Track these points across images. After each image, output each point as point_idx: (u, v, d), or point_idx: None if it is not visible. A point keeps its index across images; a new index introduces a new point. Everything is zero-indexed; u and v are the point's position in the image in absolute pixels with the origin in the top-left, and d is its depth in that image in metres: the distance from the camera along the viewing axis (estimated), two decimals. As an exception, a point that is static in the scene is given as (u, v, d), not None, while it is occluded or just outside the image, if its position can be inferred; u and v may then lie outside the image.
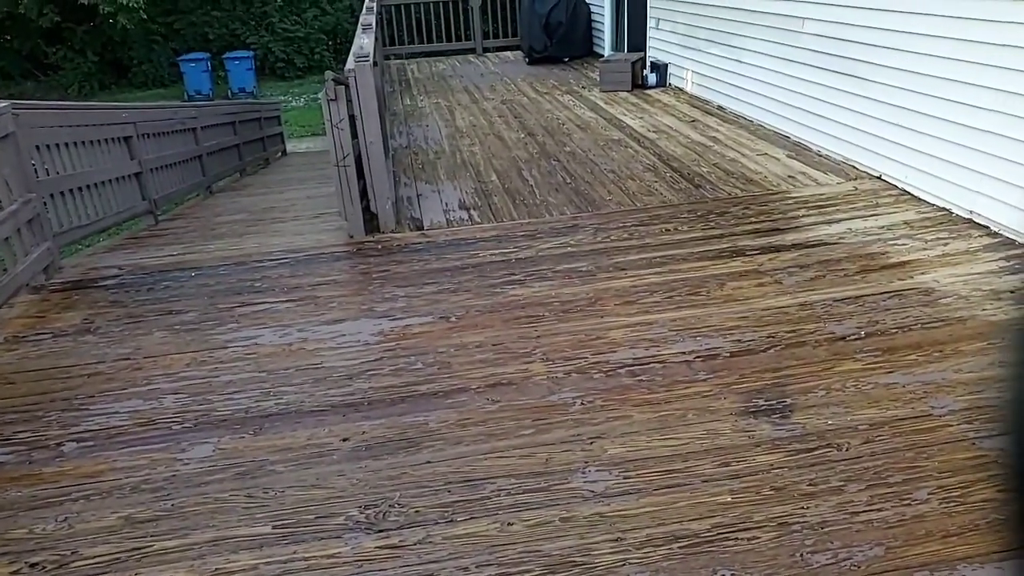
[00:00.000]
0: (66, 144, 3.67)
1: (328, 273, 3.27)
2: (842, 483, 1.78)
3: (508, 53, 9.22)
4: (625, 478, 1.84)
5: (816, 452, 1.90)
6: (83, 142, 3.84)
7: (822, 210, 3.54)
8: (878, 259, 2.99)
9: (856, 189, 3.78)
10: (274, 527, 1.76)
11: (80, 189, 3.75)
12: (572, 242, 3.37)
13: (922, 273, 2.83)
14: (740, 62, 5.18)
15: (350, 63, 3.46)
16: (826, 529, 1.65)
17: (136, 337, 2.75)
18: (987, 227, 3.14)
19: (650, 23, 6.68)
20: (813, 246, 3.15)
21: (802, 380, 2.21)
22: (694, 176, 4.16)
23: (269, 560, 1.67)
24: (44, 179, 3.45)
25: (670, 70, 6.43)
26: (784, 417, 2.05)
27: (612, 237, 3.40)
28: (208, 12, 13.27)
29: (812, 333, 2.47)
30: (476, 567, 1.61)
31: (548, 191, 4.08)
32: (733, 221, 3.50)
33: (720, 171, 4.21)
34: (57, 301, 3.12)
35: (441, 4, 9.30)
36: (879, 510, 1.69)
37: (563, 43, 8.21)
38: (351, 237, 3.58)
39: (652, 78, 6.50)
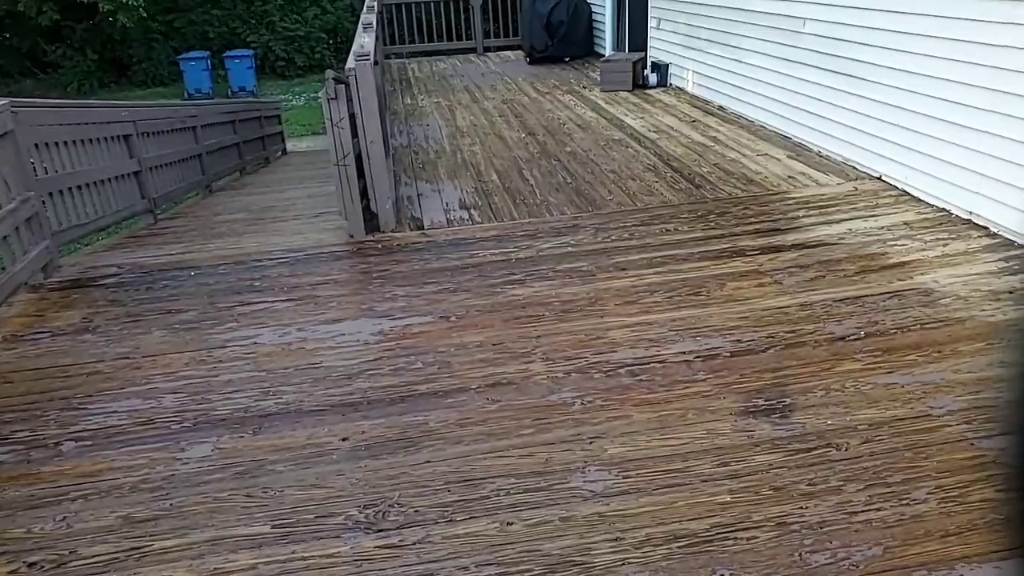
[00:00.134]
0: (65, 142, 3.66)
1: (328, 272, 3.26)
2: (841, 483, 1.78)
3: (509, 52, 9.22)
4: (624, 478, 1.84)
5: (815, 452, 1.90)
6: (82, 140, 3.84)
7: (822, 210, 3.54)
8: (878, 260, 2.99)
9: (856, 190, 3.78)
10: (273, 526, 1.76)
11: (79, 187, 3.74)
12: (572, 242, 3.37)
13: (922, 274, 2.83)
14: (741, 62, 5.18)
15: (351, 62, 3.46)
16: (825, 529, 1.65)
17: (135, 336, 2.75)
18: (986, 228, 3.14)
19: (651, 23, 6.68)
20: (813, 246, 3.15)
21: (802, 380, 2.21)
22: (695, 176, 4.16)
23: (268, 560, 1.67)
24: (43, 177, 3.45)
25: (671, 70, 6.43)
26: (784, 417, 2.05)
27: (612, 237, 3.40)
28: (208, 10, 13.25)
29: (812, 333, 2.47)
30: (475, 567, 1.61)
31: (549, 191, 4.07)
32: (733, 221, 3.50)
33: (721, 171, 4.21)
34: (56, 300, 3.12)
35: (442, 3, 9.29)
36: (878, 510, 1.69)
37: (564, 43, 8.21)
38: (351, 236, 3.58)
39: (653, 78, 6.50)
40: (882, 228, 3.29)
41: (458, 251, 3.35)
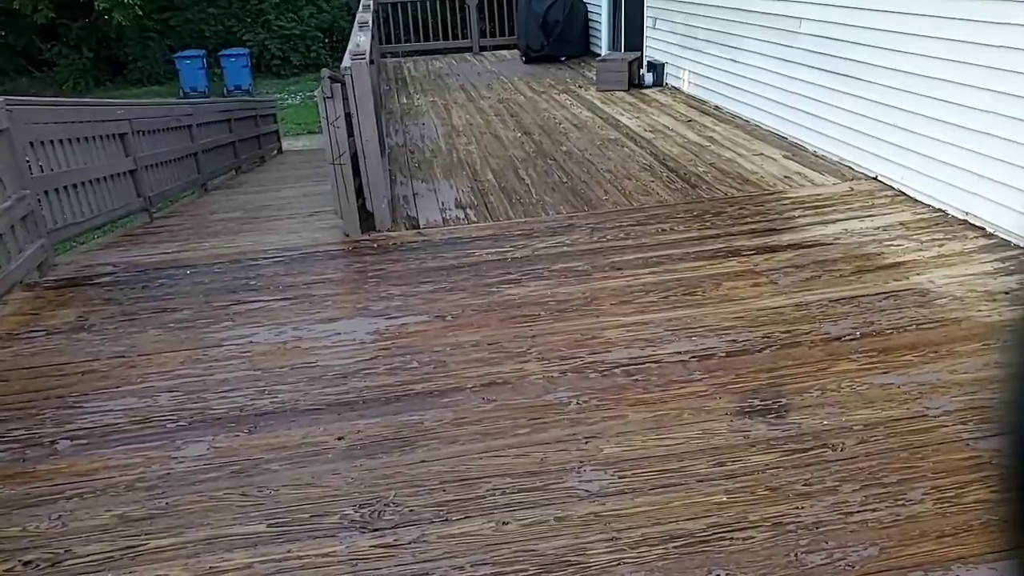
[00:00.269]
0: (61, 141, 3.65)
1: (323, 272, 3.26)
2: (837, 483, 1.79)
3: (505, 52, 9.21)
4: (620, 478, 1.84)
5: (811, 452, 1.90)
6: (78, 139, 3.82)
7: (818, 210, 3.55)
8: (874, 260, 2.99)
9: (852, 190, 3.79)
10: (269, 525, 1.76)
11: (75, 186, 3.72)
12: (568, 241, 3.37)
13: (918, 274, 2.84)
14: (736, 62, 5.19)
15: (346, 61, 3.45)
16: (821, 529, 1.66)
17: (131, 335, 2.74)
18: (983, 228, 3.15)
19: (647, 23, 6.68)
20: (809, 246, 3.16)
21: (797, 380, 2.22)
22: (690, 176, 4.16)
23: (264, 559, 1.66)
24: (38, 176, 3.43)
25: (667, 70, 6.44)
26: (779, 417, 2.06)
27: (608, 237, 3.40)
28: (204, 9, 13.21)
29: (807, 333, 2.47)
30: (471, 566, 1.61)
31: (544, 190, 4.07)
32: (729, 221, 3.50)
33: (716, 171, 4.21)
34: (51, 298, 3.10)
35: (438, 2, 9.28)
36: (874, 510, 1.70)
37: (560, 42, 8.21)
38: (347, 235, 3.57)
39: (649, 78, 6.50)
40: (878, 228, 3.30)
41: (454, 250, 3.35)
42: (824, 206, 3.60)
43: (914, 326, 2.48)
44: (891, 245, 3.12)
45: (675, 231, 3.43)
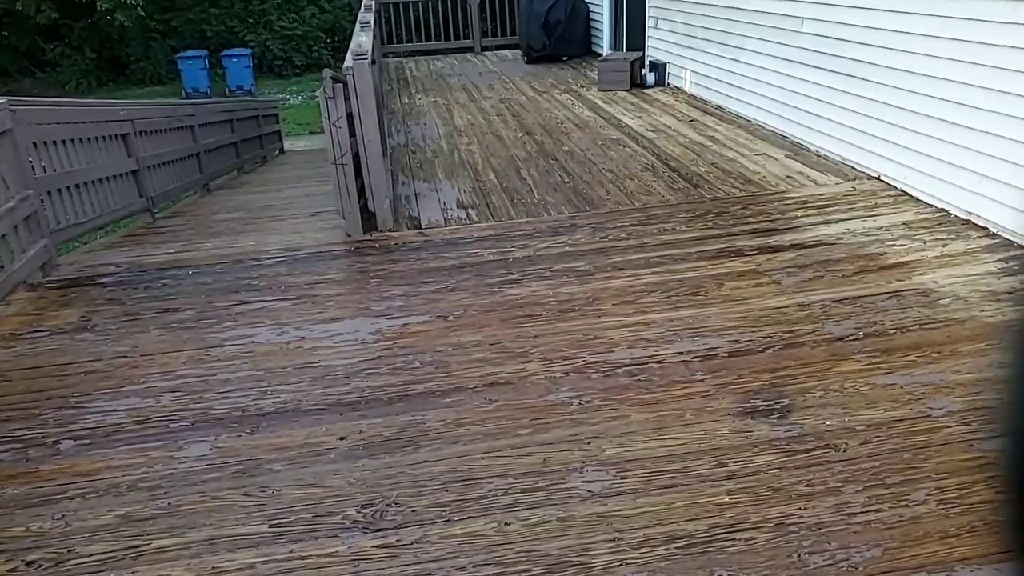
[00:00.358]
0: (63, 141, 3.66)
1: (326, 272, 3.26)
2: (840, 484, 1.78)
3: (507, 52, 9.21)
4: (623, 478, 1.84)
5: (814, 453, 1.90)
6: (80, 139, 3.83)
7: (821, 210, 3.54)
8: (876, 260, 2.99)
9: (855, 189, 3.78)
10: (271, 526, 1.76)
11: (77, 186, 3.73)
12: (570, 241, 3.37)
13: (920, 274, 2.83)
14: (739, 62, 5.18)
15: (348, 61, 3.45)
16: (823, 530, 1.65)
17: (133, 335, 2.74)
18: (986, 228, 3.15)
19: (649, 22, 6.67)
20: (811, 246, 3.16)
21: (800, 381, 2.21)
22: (692, 176, 4.16)
23: (266, 559, 1.66)
24: (41, 176, 3.44)
25: (669, 69, 6.43)
26: (782, 418, 2.05)
27: (610, 237, 3.39)
28: (206, 9, 13.23)
29: (810, 334, 2.47)
30: (473, 567, 1.61)
31: (546, 190, 4.07)
32: (731, 221, 3.50)
33: (718, 171, 4.21)
34: (54, 299, 3.11)
35: (440, 2, 9.28)
36: (877, 511, 1.69)
37: (562, 42, 8.20)
38: (349, 236, 3.57)
39: (650, 77, 6.50)
40: (881, 228, 3.29)
41: (456, 250, 3.35)
42: (826, 206, 3.59)
43: (917, 326, 2.47)
44: (894, 245, 3.11)
45: (677, 231, 3.42)
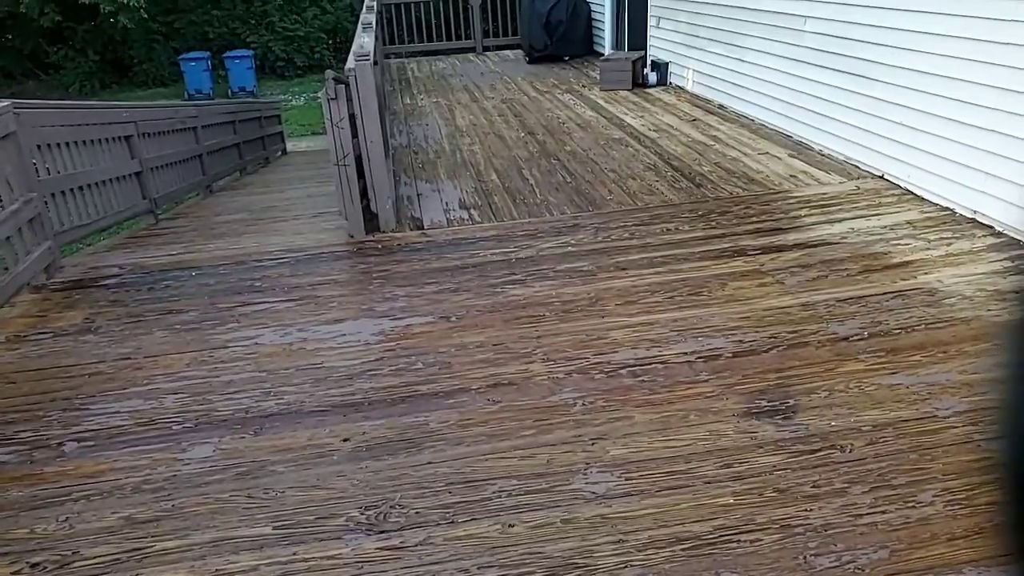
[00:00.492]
0: (67, 143, 3.66)
1: (328, 273, 3.26)
2: (845, 485, 1.77)
3: (508, 52, 9.20)
4: (627, 479, 1.84)
5: (819, 454, 1.89)
6: (84, 141, 3.84)
7: (824, 209, 3.53)
8: (881, 259, 2.97)
9: (858, 188, 3.76)
10: (274, 528, 1.75)
11: (81, 188, 3.74)
12: (573, 242, 3.36)
13: (925, 273, 2.82)
14: (741, 61, 5.17)
15: (350, 62, 3.45)
16: (829, 532, 1.64)
17: (137, 336, 2.75)
18: (991, 227, 3.13)
19: (651, 22, 6.66)
20: (815, 246, 3.14)
21: (805, 381, 2.20)
22: (695, 175, 4.15)
23: (270, 561, 1.66)
24: (45, 178, 3.45)
25: (671, 69, 6.42)
26: (787, 418, 2.04)
27: (613, 237, 3.39)
28: (208, 11, 13.25)
29: (815, 333, 2.46)
30: (477, 569, 1.60)
31: (549, 190, 4.06)
32: (735, 220, 3.48)
33: (721, 170, 4.19)
34: (58, 300, 3.11)
35: (441, 3, 9.29)
36: (883, 512, 1.68)
37: (563, 42, 8.20)
38: (351, 236, 3.57)
39: (653, 77, 6.48)
40: (885, 227, 3.27)
41: (458, 251, 3.34)
42: (830, 205, 3.58)
43: (923, 326, 2.45)
44: (898, 244, 3.10)
45: (680, 231, 3.41)
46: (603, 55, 7.55)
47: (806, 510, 1.71)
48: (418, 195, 4.16)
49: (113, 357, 2.60)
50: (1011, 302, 2.52)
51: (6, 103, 3.17)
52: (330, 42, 13.65)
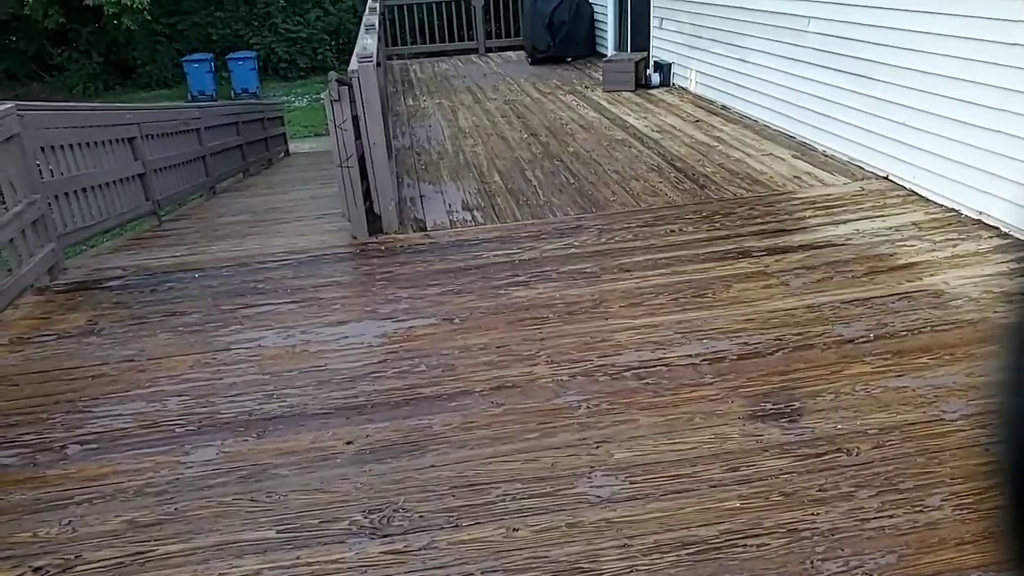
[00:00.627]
0: (71, 145, 3.67)
1: (331, 274, 3.25)
2: (852, 489, 1.76)
3: (511, 53, 9.20)
4: (632, 483, 1.82)
5: (825, 457, 1.88)
6: (87, 143, 3.84)
7: (829, 211, 3.51)
8: (886, 260, 2.96)
9: (863, 189, 3.75)
10: (278, 531, 1.75)
11: (84, 190, 3.74)
12: (576, 243, 3.35)
13: (931, 275, 2.80)
14: (744, 62, 5.15)
15: (353, 64, 3.45)
16: (837, 536, 1.63)
17: (140, 339, 2.74)
18: (997, 228, 3.11)
19: (653, 22, 6.65)
20: (820, 247, 3.13)
21: (810, 383, 2.19)
22: (699, 176, 4.13)
23: (273, 565, 1.65)
24: (49, 180, 3.45)
25: (674, 70, 6.41)
26: (792, 421, 2.03)
27: (616, 238, 3.38)
28: (211, 13, 13.29)
29: (820, 336, 2.44)
30: (482, 573, 1.59)
31: (552, 192, 4.06)
32: (739, 222, 3.47)
33: (725, 171, 4.18)
34: (61, 302, 3.11)
35: (444, 4, 9.29)
36: (891, 517, 1.67)
37: (566, 43, 8.19)
38: (354, 238, 3.57)
39: (655, 78, 6.47)
40: (890, 228, 3.26)
41: (461, 252, 3.33)
42: (835, 206, 3.56)
43: (929, 328, 2.44)
44: (904, 245, 3.08)
45: (684, 232, 3.40)
46: (606, 56, 7.54)
47: (813, 514, 1.69)
48: (421, 196, 4.15)
49: (116, 359, 2.60)
50: (1010, 304, 2.51)
51: (10, 105, 3.17)
52: (333, 43, 13.67)
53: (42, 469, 2.03)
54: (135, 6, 11.34)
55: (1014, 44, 2.90)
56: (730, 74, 5.40)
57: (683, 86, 6.29)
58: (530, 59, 8.44)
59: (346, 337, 2.65)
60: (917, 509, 1.68)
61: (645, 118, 5.51)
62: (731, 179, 4.05)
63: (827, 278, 2.85)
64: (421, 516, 1.76)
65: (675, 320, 2.60)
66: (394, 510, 1.79)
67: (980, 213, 3.21)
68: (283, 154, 8.77)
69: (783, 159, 4.31)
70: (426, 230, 3.64)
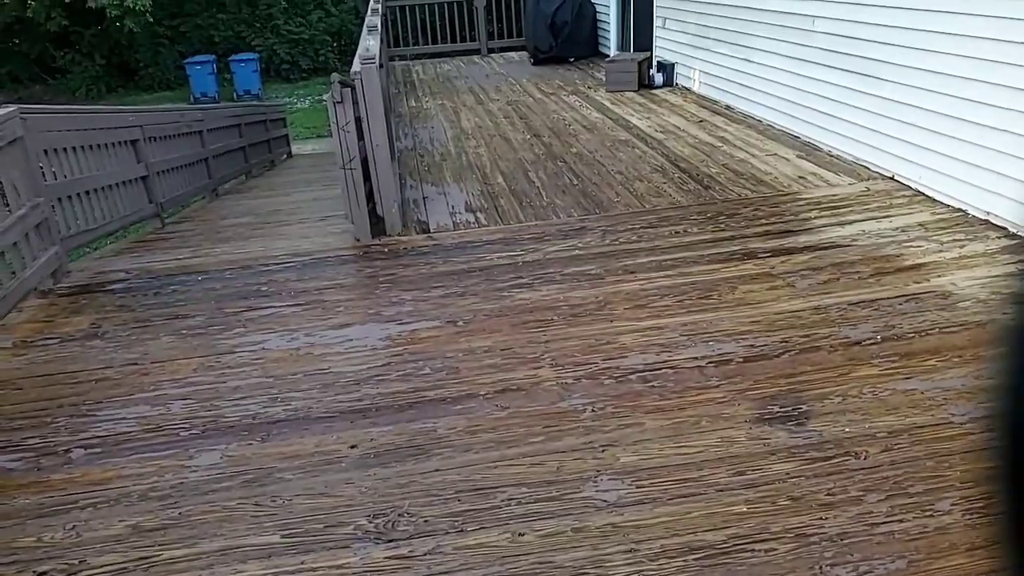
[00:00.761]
0: (74, 148, 3.67)
1: (335, 277, 3.25)
2: (861, 493, 1.74)
3: (513, 53, 9.19)
4: (638, 487, 1.81)
5: (833, 461, 1.86)
6: (90, 146, 3.84)
7: (834, 211, 3.49)
8: (893, 261, 2.94)
9: (868, 190, 3.73)
10: (282, 536, 1.74)
11: (87, 193, 3.74)
12: (580, 245, 3.34)
13: (939, 276, 2.78)
14: (749, 61, 5.13)
15: (356, 65, 3.44)
16: (845, 541, 1.61)
17: (143, 342, 2.74)
18: (1005, 228, 3.09)
19: (656, 22, 6.63)
20: (826, 248, 3.11)
21: (817, 386, 2.17)
22: (703, 177, 4.12)
23: (278, 570, 1.64)
24: (52, 183, 3.45)
25: (677, 70, 6.39)
26: (800, 424, 2.01)
27: (621, 239, 3.36)
28: (213, 15, 13.31)
29: (827, 337, 2.43)
30: (487, 579, 1.58)
31: (555, 193, 4.04)
32: (743, 223, 3.45)
33: (729, 172, 4.16)
34: (65, 305, 3.11)
35: (446, 5, 9.28)
36: (900, 521, 1.65)
37: (568, 43, 8.17)
38: (357, 240, 3.56)
39: (659, 78, 6.45)
40: (896, 229, 3.24)
41: (464, 254, 3.32)
42: (840, 207, 3.54)
43: (936, 330, 2.42)
44: (910, 246, 3.06)
45: (689, 233, 3.38)
46: (608, 56, 7.52)
47: (821, 519, 1.68)
48: (424, 198, 4.14)
49: (120, 363, 2.59)
50: (1010, 306, 2.48)
51: (13, 108, 3.17)
52: (335, 45, 13.68)
53: (46, 473, 2.02)
54: (137, 8, 11.36)
55: (1021, 43, 2.88)
56: (734, 74, 5.38)
57: (687, 86, 6.27)
58: (532, 60, 8.43)
59: (350, 340, 2.64)
60: (927, 514, 1.67)
61: (648, 118, 5.50)
62: (736, 180, 4.03)
63: (833, 279, 2.83)
64: (426, 521, 1.75)
65: (680, 322, 2.58)
66: (399, 515, 1.78)
67: (988, 213, 3.19)
68: (286, 156, 8.77)
69: (788, 159, 4.29)
70: (429, 232, 3.63)
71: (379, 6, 6.66)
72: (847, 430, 1.97)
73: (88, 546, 1.74)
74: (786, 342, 2.42)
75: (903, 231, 3.21)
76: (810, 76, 4.39)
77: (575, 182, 4.20)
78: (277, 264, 3.40)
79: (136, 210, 4.34)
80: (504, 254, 3.29)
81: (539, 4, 8.12)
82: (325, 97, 3.40)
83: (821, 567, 1.56)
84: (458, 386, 2.30)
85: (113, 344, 2.74)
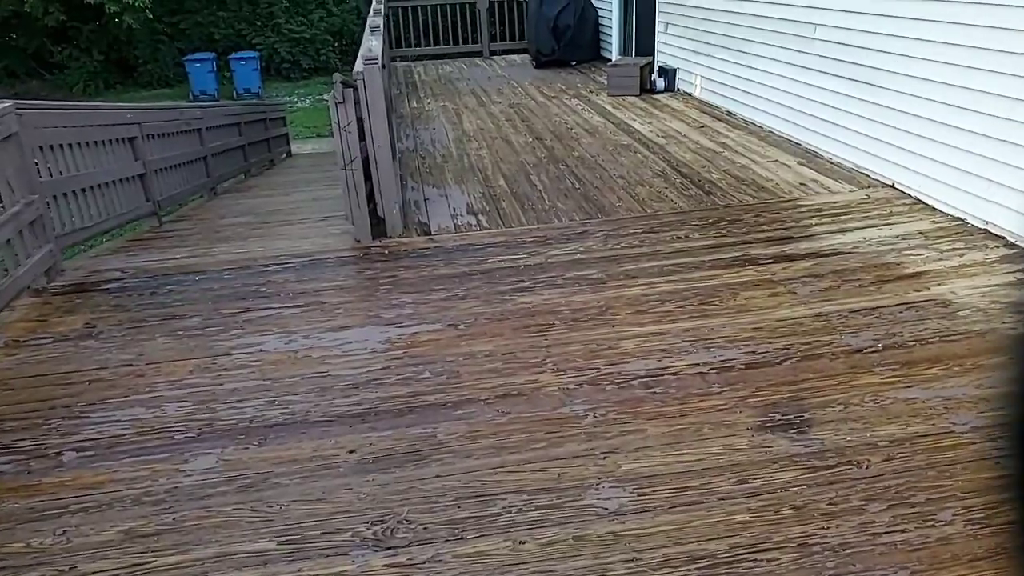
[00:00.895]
0: (70, 145, 3.63)
1: (334, 278, 3.22)
2: (863, 502, 1.73)
3: (515, 56, 9.19)
4: (640, 495, 1.79)
5: (835, 469, 1.85)
6: (87, 143, 3.81)
7: (835, 218, 3.49)
8: (893, 269, 2.93)
9: (869, 197, 3.73)
10: (279, 543, 1.71)
11: (83, 190, 3.71)
12: (582, 249, 3.32)
13: (939, 284, 2.78)
14: (750, 68, 5.14)
15: (359, 65, 3.42)
16: (848, 551, 1.60)
17: (139, 342, 2.71)
18: (1004, 238, 3.09)
19: (659, 27, 6.64)
20: (827, 255, 3.10)
21: (819, 394, 2.16)
22: (704, 182, 4.11)
23: (273, 577, 1.62)
24: (47, 180, 3.42)
25: (679, 75, 6.39)
26: (802, 432, 2.00)
27: (622, 244, 3.35)
28: (214, 12, 13.27)
29: (828, 345, 2.42)
30: (487, 588, 1.56)
31: (557, 196, 4.03)
32: (745, 229, 3.45)
33: (731, 178, 4.16)
34: (59, 304, 3.08)
35: (448, 6, 9.27)
36: (902, 531, 1.64)
37: (571, 47, 8.18)
38: (357, 241, 3.54)
39: (660, 83, 6.46)
40: (896, 237, 3.23)
41: (466, 257, 3.30)
42: (841, 214, 3.54)
43: (937, 338, 2.41)
44: (910, 254, 3.06)
45: (690, 239, 3.37)
46: (610, 60, 7.53)
47: (823, 528, 1.66)
48: (425, 200, 4.12)
49: (114, 363, 2.56)
50: (1014, 316, 2.48)
51: (8, 103, 3.14)
52: (336, 44, 13.66)
53: (37, 477, 1.99)
54: (137, 4, 11.32)
55: (1021, 54, 2.88)
56: (736, 80, 5.38)
57: (688, 91, 6.27)
58: (534, 63, 8.42)
59: (349, 343, 2.62)
60: (929, 524, 1.66)
61: (650, 123, 5.50)
62: (737, 185, 4.03)
63: (834, 287, 2.82)
64: (425, 528, 1.73)
65: (682, 328, 2.57)
66: (398, 521, 1.76)
67: (987, 222, 3.19)
68: (285, 155, 8.74)
69: (789, 166, 4.29)
70: (430, 234, 3.61)
71: (381, 6, 6.64)
72: (849, 439, 1.96)
73: (79, 552, 1.71)
74: (788, 349, 2.40)
75: (903, 239, 3.21)
76: (811, 83, 4.39)
77: (577, 186, 4.19)
78: (276, 265, 3.38)
79: (133, 208, 4.30)
80: (505, 257, 3.27)
81: (542, 7, 8.12)
82: (326, 97, 3.40)
83: (824, 578, 1.54)
84: (458, 391, 2.28)
85: (108, 344, 2.71)
